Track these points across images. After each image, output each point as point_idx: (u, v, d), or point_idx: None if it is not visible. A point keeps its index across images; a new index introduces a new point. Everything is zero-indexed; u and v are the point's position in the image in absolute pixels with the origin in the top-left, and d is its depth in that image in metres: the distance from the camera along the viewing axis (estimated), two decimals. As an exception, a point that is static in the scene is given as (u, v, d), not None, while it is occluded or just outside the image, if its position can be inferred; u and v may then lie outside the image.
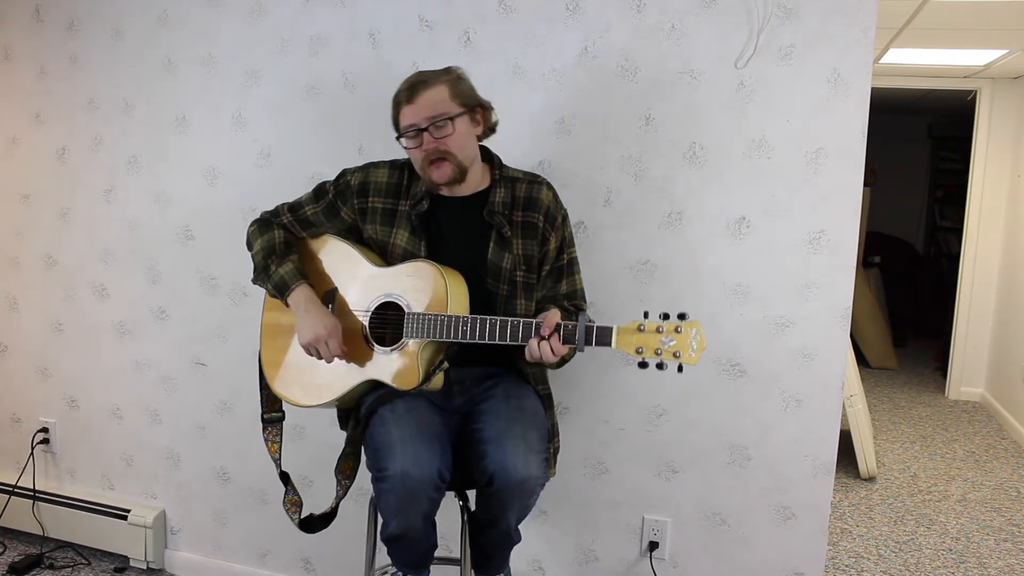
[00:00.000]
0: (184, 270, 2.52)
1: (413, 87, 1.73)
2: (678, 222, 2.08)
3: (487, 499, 1.67)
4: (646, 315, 1.58)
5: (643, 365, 1.57)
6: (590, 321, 1.60)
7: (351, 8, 2.25)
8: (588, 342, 1.59)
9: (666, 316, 1.57)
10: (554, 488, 2.20)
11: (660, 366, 1.56)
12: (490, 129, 1.82)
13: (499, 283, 1.78)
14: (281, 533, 2.52)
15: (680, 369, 1.57)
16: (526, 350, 1.63)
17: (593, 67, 2.08)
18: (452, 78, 1.74)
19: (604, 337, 1.58)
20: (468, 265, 1.77)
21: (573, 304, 1.86)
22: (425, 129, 1.70)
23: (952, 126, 6.83)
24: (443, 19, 2.18)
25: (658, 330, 1.56)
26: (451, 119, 1.70)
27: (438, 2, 2.17)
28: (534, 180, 1.85)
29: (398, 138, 1.77)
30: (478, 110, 1.77)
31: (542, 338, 1.61)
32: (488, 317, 1.65)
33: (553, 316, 1.62)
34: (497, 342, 1.64)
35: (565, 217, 1.87)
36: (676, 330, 1.56)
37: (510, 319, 1.64)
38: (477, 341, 1.65)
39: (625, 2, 2.04)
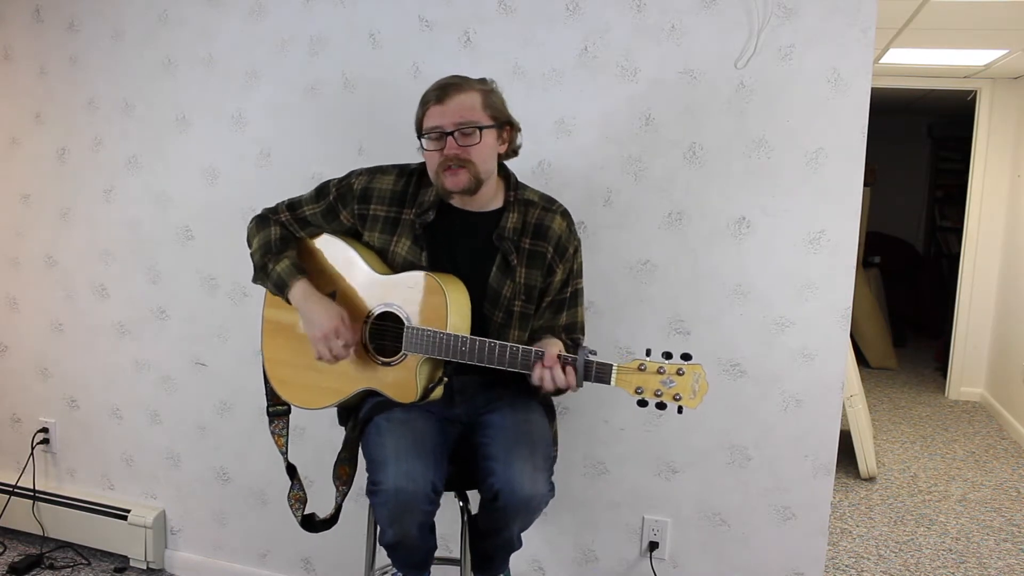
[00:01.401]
0: (184, 270, 2.52)
1: (445, 88, 1.66)
2: (678, 222, 2.08)
3: (491, 513, 1.65)
4: (648, 352, 1.54)
5: (642, 404, 1.54)
6: (591, 353, 1.57)
7: (351, 8, 2.25)
8: (587, 377, 1.56)
9: (669, 355, 1.53)
10: (554, 488, 2.21)
11: (660, 406, 1.53)
12: (513, 152, 1.77)
13: (496, 310, 1.74)
14: (281, 533, 2.52)
15: (680, 411, 1.54)
16: (532, 377, 1.60)
17: (593, 67, 2.08)
18: (487, 88, 1.70)
19: (603, 374, 1.55)
20: (467, 285, 1.73)
21: (571, 338, 1.83)
22: (450, 133, 1.64)
23: (952, 126, 6.82)
24: (443, 19, 2.18)
25: (659, 371, 1.52)
26: (479, 128, 1.65)
27: (438, 2, 2.17)
28: (549, 207, 1.79)
29: (420, 137, 1.70)
30: (507, 127, 1.72)
31: (544, 366, 1.58)
32: (488, 340, 1.62)
33: (553, 348, 1.60)
34: (495, 366, 1.62)
35: (577, 248, 1.82)
36: (678, 372, 1.52)
37: (509, 344, 1.61)
38: (474, 363, 1.63)
39: (625, 2, 2.04)
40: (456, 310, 1.67)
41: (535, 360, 1.59)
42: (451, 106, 1.65)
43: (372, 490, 1.60)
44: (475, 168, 1.66)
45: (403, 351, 1.70)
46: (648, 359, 1.53)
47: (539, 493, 1.61)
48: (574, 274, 1.82)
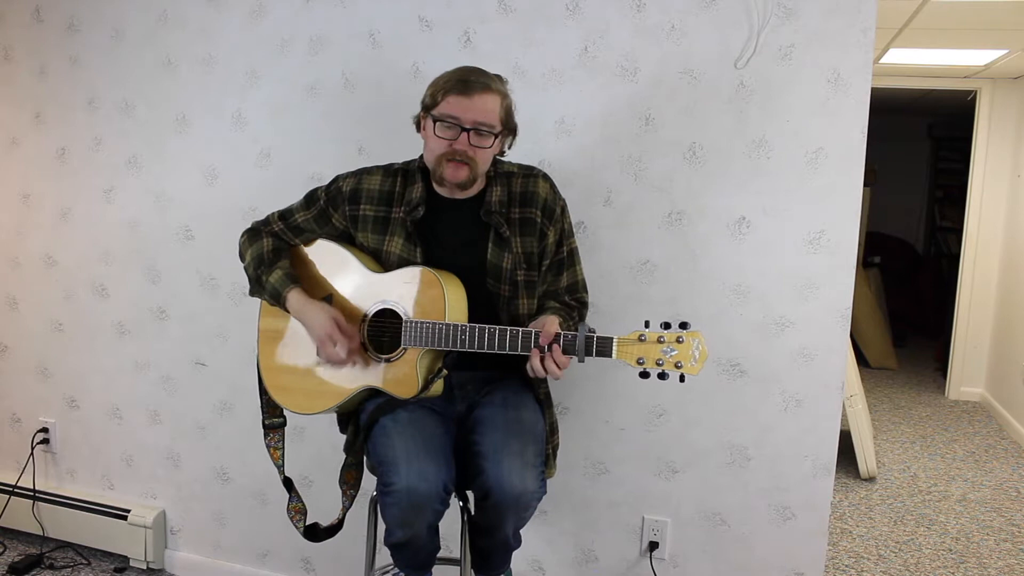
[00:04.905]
0: (184, 270, 2.52)
1: (470, 84, 1.66)
2: (678, 222, 2.08)
3: (484, 511, 1.66)
4: (647, 324, 1.56)
5: (644, 375, 1.56)
6: (590, 331, 1.58)
7: (351, 8, 2.25)
8: (588, 352, 1.57)
9: (667, 325, 1.55)
10: (554, 488, 2.20)
11: (662, 376, 1.54)
12: (501, 152, 1.81)
13: (500, 284, 1.77)
14: (281, 533, 2.52)
15: (682, 379, 1.55)
16: (528, 367, 1.62)
17: (593, 67, 2.08)
18: (505, 92, 1.72)
19: (604, 348, 1.56)
20: (467, 267, 1.75)
21: (575, 298, 1.85)
22: (467, 130, 1.66)
23: (952, 126, 6.83)
24: (443, 19, 2.18)
25: (659, 340, 1.54)
26: (494, 135, 1.69)
27: (438, 2, 2.17)
28: (529, 173, 1.83)
29: (427, 117, 1.71)
30: (509, 136, 1.76)
31: (541, 349, 1.59)
32: (487, 326, 1.63)
33: (552, 326, 1.60)
34: (496, 351, 1.63)
35: (564, 208, 1.85)
36: (678, 340, 1.54)
37: (509, 328, 1.62)
38: (475, 350, 1.64)
39: (625, 2, 2.04)
40: (454, 302, 1.69)
41: (535, 343, 1.60)
42: (475, 103, 1.66)
43: (384, 491, 1.60)
44: (476, 167, 1.71)
45: (402, 345, 1.71)
46: (647, 330, 1.55)
47: (528, 490, 1.61)
48: (566, 234, 1.85)
